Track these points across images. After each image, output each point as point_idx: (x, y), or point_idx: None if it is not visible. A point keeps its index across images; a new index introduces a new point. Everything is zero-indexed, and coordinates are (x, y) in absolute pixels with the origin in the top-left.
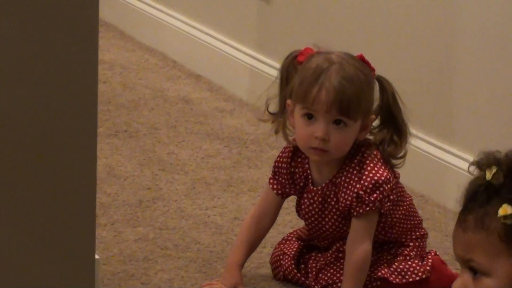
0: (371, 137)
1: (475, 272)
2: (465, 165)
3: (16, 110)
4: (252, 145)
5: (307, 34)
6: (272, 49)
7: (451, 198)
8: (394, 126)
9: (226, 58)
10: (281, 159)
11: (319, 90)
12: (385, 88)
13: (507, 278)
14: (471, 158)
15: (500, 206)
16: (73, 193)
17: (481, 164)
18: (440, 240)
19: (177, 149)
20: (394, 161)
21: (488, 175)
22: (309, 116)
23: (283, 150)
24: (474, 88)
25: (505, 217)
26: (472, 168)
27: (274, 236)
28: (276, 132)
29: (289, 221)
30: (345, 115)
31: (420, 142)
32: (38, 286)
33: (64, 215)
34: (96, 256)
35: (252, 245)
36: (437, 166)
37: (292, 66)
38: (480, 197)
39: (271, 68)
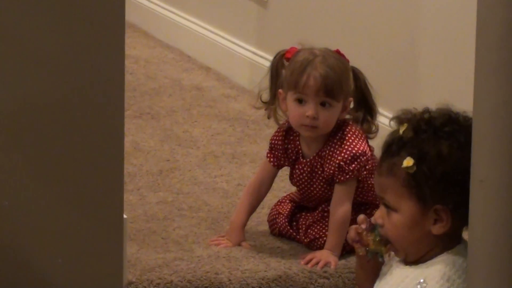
0: (349, 117)
1: (389, 208)
2: None
3: (63, 97)
4: (253, 124)
5: (296, 33)
6: (268, 46)
7: None
8: (366, 107)
9: (231, 53)
10: (276, 137)
11: (307, 77)
12: (358, 76)
13: (410, 214)
14: None
15: (404, 157)
16: (106, 164)
17: (398, 119)
18: None
19: (191, 128)
20: (369, 136)
21: (400, 130)
22: (300, 100)
23: (278, 130)
24: (435, 71)
25: (407, 167)
26: (392, 122)
27: (270, 199)
28: (269, 117)
29: (282, 186)
30: (330, 96)
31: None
32: (78, 242)
33: (98, 182)
34: (124, 216)
35: (253, 208)
36: None
37: (280, 62)
38: (392, 148)
39: (267, 61)
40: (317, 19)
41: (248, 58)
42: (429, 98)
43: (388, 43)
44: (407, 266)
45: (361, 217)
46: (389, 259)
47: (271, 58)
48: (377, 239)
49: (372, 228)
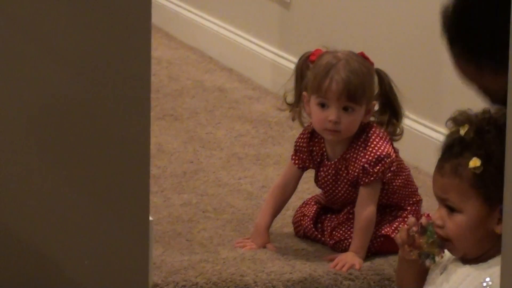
0: (373, 119)
1: (451, 209)
2: None
3: (89, 98)
4: (276, 126)
5: (317, 35)
6: (290, 47)
7: None
8: (392, 109)
9: (253, 54)
10: (301, 140)
11: (330, 82)
12: (383, 78)
13: (476, 214)
14: None
15: (471, 158)
16: (132, 166)
17: (456, 120)
18: (431, 204)
19: (214, 129)
20: (394, 138)
21: (462, 131)
22: (323, 105)
23: (302, 132)
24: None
25: (474, 168)
26: (449, 123)
27: (295, 201)
28: (293, 120)
29: (307, 188)
30: (352, 101)
31: (414, 123)
32: (104, 243)
33: (125, 184)
34: (150, 218)
35: (277, 210)
36: (427, 142)
37: (305, 64)
38: (455, 149)
39: (290, 62)
40: (340, 20)
41: (271, 60)
42: (454, 99)
43: (412, 44)
44: (467, 265)
45: (412, 219)
46: (440, 260)
47: (293, 59)
48: (430, 241)
49: (423, 230)
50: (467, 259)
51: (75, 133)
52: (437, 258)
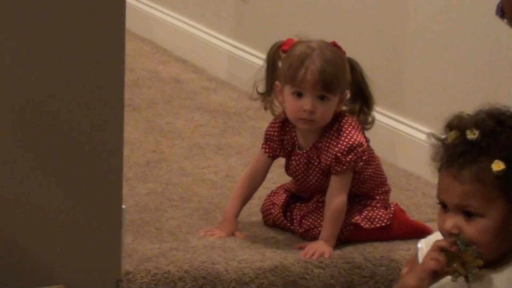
0: (345, 108)
1: (469, 214)
2: (413, 132)
3: (64, 90)
4: (235, 116)
5: (274, 26)
6: (246, 38)
7: (401, 159)
8: (363, 98)
9: (208, 46)
10: (272, 129)
11: (305, 72)
12: (355, 67)
13: (500, 217)
14: (418, 127)
15: (489, 162)
16: (105, 155)
17: (455, 126)
18: (394, 192)
19: (173, 119)
20: (365, 127)
21: (471, 136)
22: (298, 94)
23: (273, 121)
24: (421, 68)
25: (499, 171)
26: (446, 129)
27: (260, 189)
28: (266, 109)
29: (270, 177)
30: (327, 91)
31: (377, 114)
32: (77, 231)
33: (98, 173)
34: (123, 206)
35: (246, 198)
36: (390, 133)
37: (277, 54)
38: (469, 154)
39: (246, 53)
40: (295, 11)
41: (227, 51)
42: (416, 90)
43: (374, 33)
44: (487, 271)
45: (441, 243)
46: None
47: (250, 50)
48: (473, 254)
49: (463, 245)
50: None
51: (49, 123)
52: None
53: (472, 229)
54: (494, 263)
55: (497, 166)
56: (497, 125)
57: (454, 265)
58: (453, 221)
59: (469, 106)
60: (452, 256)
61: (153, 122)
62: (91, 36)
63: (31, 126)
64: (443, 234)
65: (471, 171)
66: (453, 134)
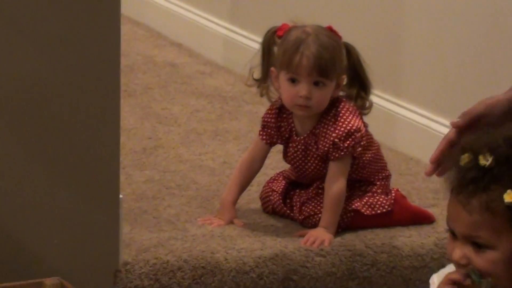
0: (342, 94)
1: (479, 246)
2: (412, 116)
3: (60, 77)
4: (231, 101)
5: (270, 9)
6: (242, 21)
7: (401, 143)
8: (360, 83)
9: (203, 29)
10: (269, 115)
11: (300, 57)
12: (351, 52)
13: (511, 249)
14: (417, 110)
15: (502, 191)
16: (101, 144)
17: (469, 148)
18: (394, 177)
19: (169, 105)
20: (363, 112)
21: (483, 162)
22: (293, 80)
23: (270, 107)
24: (419, 51)
25: (511, 202)
26: (459, 151)
27: (258, 176)
28: (261, 95)
29: (269, 164)
30: (323, 76)
31: (376, 98)
32: (74, 222)
33: (94, 162)
34: (120, 196)
35: (244, 186)
36: (389, 117)
37: (272, 39)
38: (480, 182)
39: (242, 36)
40: None
41: (222, 34)
42: (415, 73)
43: (372, 16)
44: None
45: (453, 276)
46: None
47: (245, 34)
48: (489, 286)
49: (477, 277)
50: None
51: (45, 112)
52: None
53: (481, 260)
54: None
55: (510, 197)
56: (508, 149)
57: None
58: (461, 251)
59: (468, 89)
60: None
61: (148, 108)
62: (86, 21)
63: (25, 115)
64: (453, 262)
65: (481, 200)
66: (466, 158)
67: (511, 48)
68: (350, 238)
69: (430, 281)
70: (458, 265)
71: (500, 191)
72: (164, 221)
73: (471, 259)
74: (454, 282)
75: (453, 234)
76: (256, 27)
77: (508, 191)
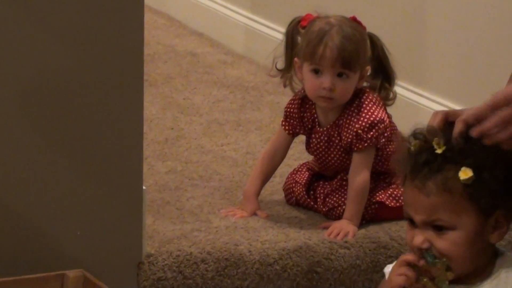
0: (366, 84)
1: (439, 229)
2: (436, 106)
3: (82, 69)
4: (253, 91)
5: None
6: (263, 10)
7: None
8: (384, 74)
9: (225, 18)
10: (292, 106)
11: (324, 49)
12: (375, 43)
13: (472, 228)
14: (441, 101)
15: (457, 170)
16: (125, 135)
17: (420, 135)
18: None
19: (191, 95)
20: (386, 103)
21: (436, 146)
22: (316, 71)
23: (293, 98)
24: (443, 41)
25: (466, 179)
26: (411, 139)
27: (281, 167)
28: (285, 86)
29: (292, 154)
30: (347, 68)
31: (400, 89)
32: (97, 213)
33: (118, 154)
34: (144, 187)
35: (267, 176)
36: (413, 108)
37: (295, 30)
38: (433, 164)
39: (263, 26)
40: None
41: (243, 24)
42: (438, 64)
43: (395, 7)
44: (463, 286)
45: (407, 257)
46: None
47: (266, 23)
48: (444, 267)
49: (431, 258)
50: (460, 278)
51: (68, 104)
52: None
53: (443, 242)
54: (470, 278)
55: (465, 174)
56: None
57: (424, 280)
58: (422, 236)
59: (492, 79)
60: (420, 271)
61: (170, 97)
62: (109, 10)
63: (49, 106)
64: (412, 250)
65: (437, 181)
66: (416, 143)
67: None
68: (374, 230)
69: (385, 269)
70: (419, 250)
71: (455, 169)
72: (187, 213)
73: (432, 242)
74: (408, 263)
75: (412, 222)
76: (277, 16)
77: (463, 168)
